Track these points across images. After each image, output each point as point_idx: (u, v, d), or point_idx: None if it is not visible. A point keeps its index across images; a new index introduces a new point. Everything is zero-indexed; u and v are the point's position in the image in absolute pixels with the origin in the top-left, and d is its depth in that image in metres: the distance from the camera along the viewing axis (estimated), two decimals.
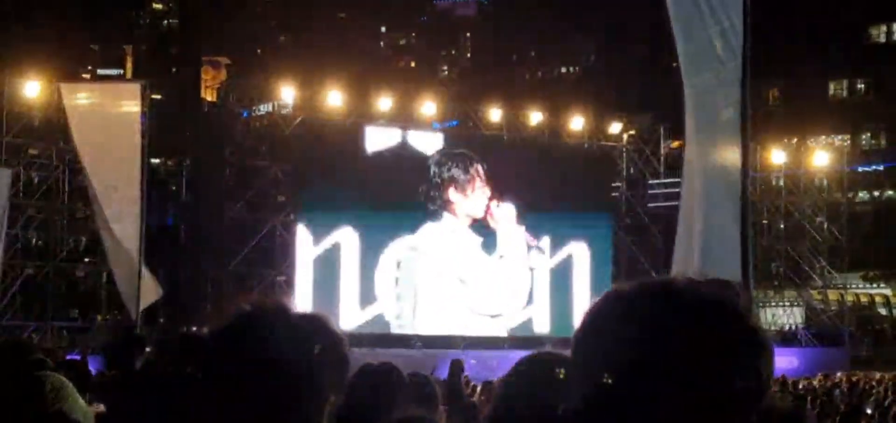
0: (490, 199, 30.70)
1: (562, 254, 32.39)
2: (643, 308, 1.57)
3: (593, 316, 1.64)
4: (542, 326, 31.72)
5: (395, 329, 29.96)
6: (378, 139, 30.80)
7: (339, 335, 2.22)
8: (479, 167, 30.78)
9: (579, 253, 32.56)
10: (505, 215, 30.63)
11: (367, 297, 29.86)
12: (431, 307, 30.13)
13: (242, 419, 2.14)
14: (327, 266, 29.75)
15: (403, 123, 31.78)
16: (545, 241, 31.91)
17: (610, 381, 1.53)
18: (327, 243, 29.77)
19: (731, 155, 7.90)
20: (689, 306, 1.56)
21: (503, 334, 31.13)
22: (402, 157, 30.71)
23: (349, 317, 28.79)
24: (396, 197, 29.78)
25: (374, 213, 29.78)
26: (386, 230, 30.16)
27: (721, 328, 1.55)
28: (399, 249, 30.28)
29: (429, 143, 31.36)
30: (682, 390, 1.52)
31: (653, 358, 1.53)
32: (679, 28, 7.99)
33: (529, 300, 31.80)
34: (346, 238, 29.89)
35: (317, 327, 2.20)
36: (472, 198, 30.59)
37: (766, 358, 1.59)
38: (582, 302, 32.17)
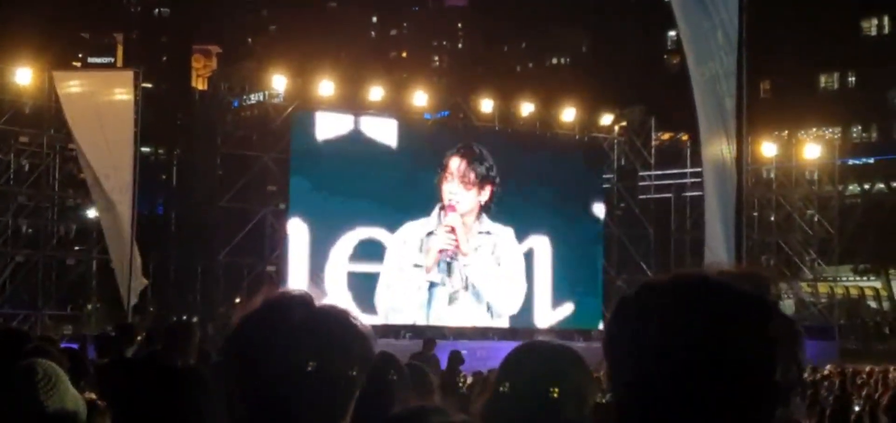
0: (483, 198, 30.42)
1: (524, 246, 31.92)
2: (682, 302, 1.57)
3: (629, 308, 1.64)
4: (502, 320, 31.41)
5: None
6: (329, 126, 30.04)
7: (364, 329, 2.22)
8: (456, 161, 30.36)
9: (540, 246, 32.23)
10: (454, 220, 30.18)
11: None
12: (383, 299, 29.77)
13: (265, 409, 2.13)
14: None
15: (356, 110, 31.13)
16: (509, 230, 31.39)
17: (652, 372, 1.54)
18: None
19: (732, 145, 7.91)
20: (726, 299, 1.56)
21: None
22: (358, 144, 30.05)
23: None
24: (351, 186, 29.10)
25: (326, 202, 29.12)
26: (337, 221, 29.37)
27: (759, 321, 1.56)
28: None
29: (383, 130, 30.71)
30: (724, 382, 1.53)
31: (694, 352, 1.53)
32: (682, 18, 7.97)
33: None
34: (296, 229, 29.14)
35: (341, 319, 2.20)
36: (446, 189, 30.24)
37: (801, 347, 1.62)
38: (543, 296, 32.11)
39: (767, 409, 1.54)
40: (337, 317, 2.19)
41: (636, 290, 1.66)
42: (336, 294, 28.26)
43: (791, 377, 1.56)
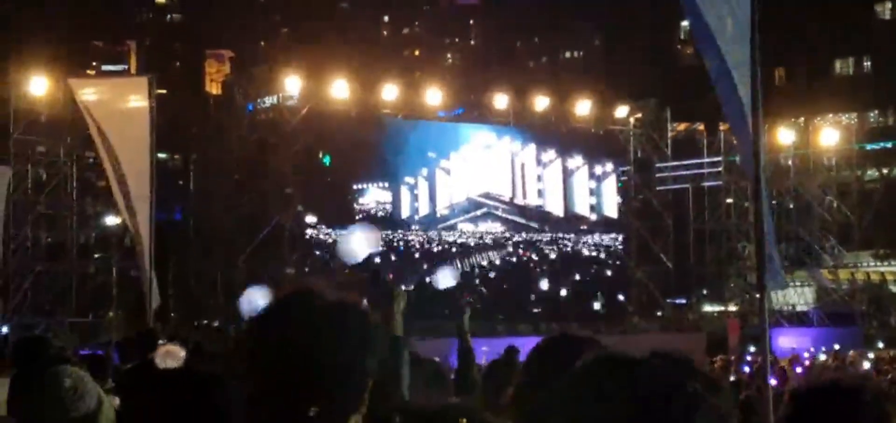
0: None
1: None
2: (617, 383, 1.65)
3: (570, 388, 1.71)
4: None
5: None
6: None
7: (372, 319, 2.23)
8: None
9: None
10: None
11: None
12: None
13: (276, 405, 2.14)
14: None
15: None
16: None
17: None
18: None
19: (747, 135, 7.88)
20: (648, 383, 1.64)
21: None
22: None
23: None
24: None
25: None
26: None
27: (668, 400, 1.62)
28: None
29: None
30: None
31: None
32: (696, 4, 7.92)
33: None
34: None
35: (349, 310, 2.20)
36: None
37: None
38: None
39: None
40: (350, 309, 2.20)
41: (579, 371, 1.72)
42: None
43: None
